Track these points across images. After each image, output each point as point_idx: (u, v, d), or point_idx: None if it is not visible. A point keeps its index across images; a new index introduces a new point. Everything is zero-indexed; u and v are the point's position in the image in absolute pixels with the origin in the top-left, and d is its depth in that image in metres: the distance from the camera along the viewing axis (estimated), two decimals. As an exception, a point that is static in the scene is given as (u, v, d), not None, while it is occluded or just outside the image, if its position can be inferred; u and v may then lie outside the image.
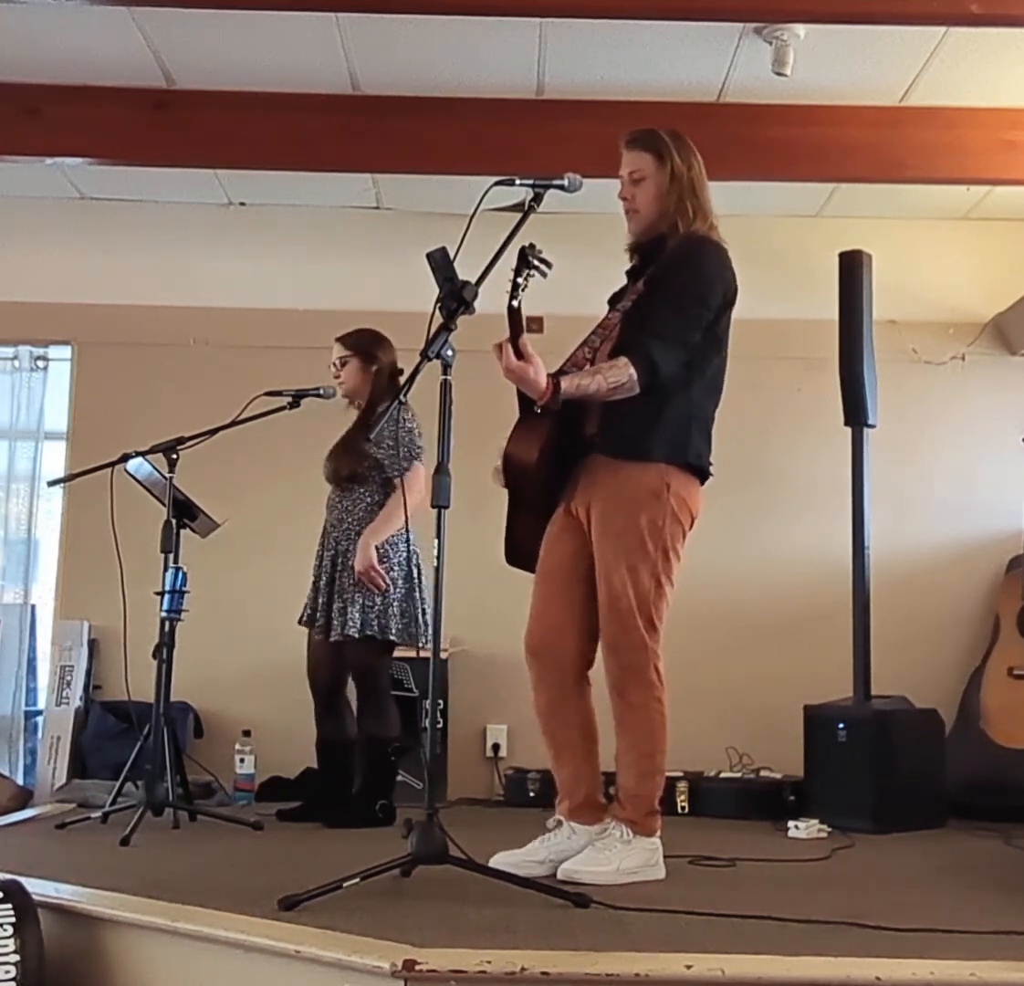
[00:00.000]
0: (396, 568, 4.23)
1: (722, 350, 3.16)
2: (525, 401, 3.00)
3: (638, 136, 3.20)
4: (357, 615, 4.17)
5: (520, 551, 3.19)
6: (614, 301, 3.28)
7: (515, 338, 2.79)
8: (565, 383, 2.89)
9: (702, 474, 3.14)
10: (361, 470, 4.27)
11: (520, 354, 2.80)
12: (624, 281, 3.29)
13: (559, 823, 3.09)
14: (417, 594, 4.21)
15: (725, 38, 4.40)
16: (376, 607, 4.19)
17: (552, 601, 3.13)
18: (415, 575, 4.25)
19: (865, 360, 4.75)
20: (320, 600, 4.28)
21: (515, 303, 2.76)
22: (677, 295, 3.06)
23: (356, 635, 4.16)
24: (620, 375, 2.93)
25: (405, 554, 4.27)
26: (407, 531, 4.22)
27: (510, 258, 2.79)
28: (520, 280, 2.76)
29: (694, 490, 3.11)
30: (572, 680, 3.10)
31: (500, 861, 2.92)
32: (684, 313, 3.04)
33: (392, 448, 4.17)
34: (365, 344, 4.38)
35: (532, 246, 2.79)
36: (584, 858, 2.95)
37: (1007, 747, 4.72)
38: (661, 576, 3.03)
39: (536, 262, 2.77)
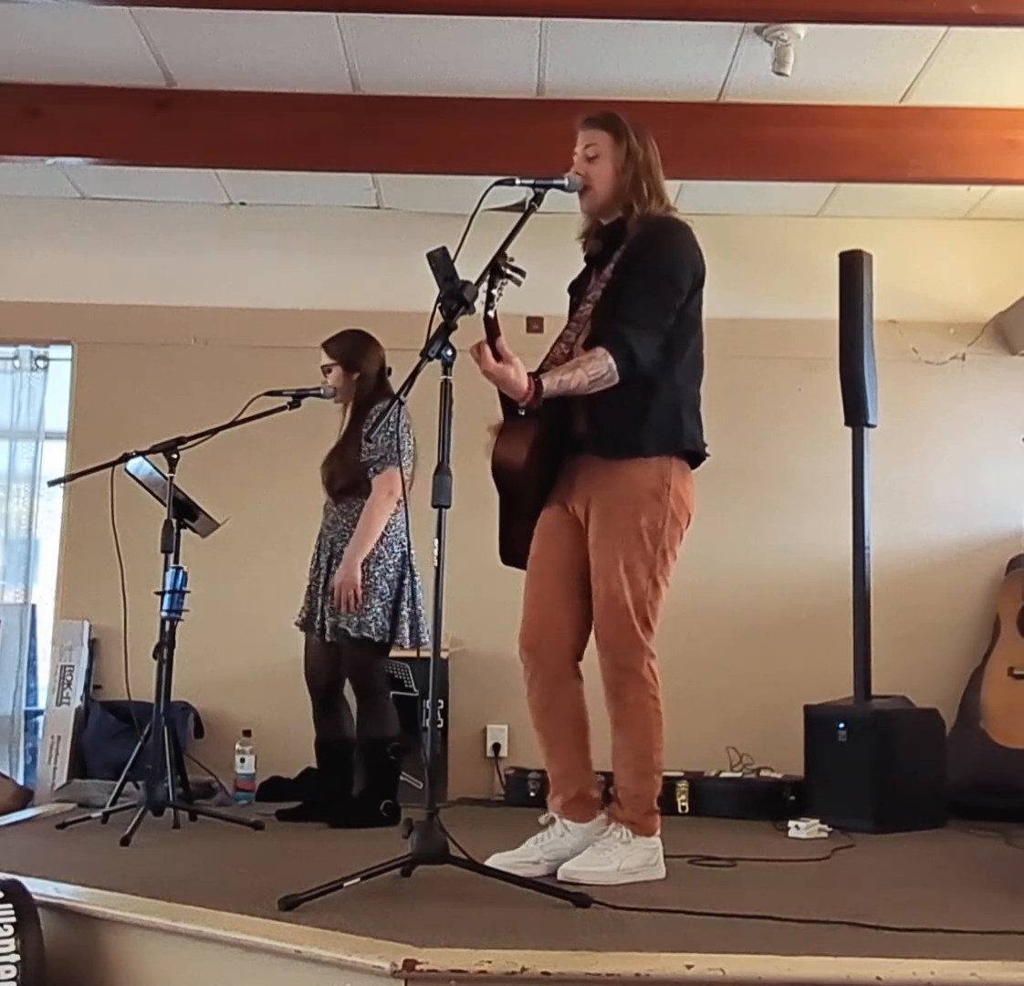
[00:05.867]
0: (391, 570, 4.23)
1: (698, 330, 3.16)
2: (508, 404, 2.99)
3: (595, 116, 3.21)
4: (353, 617, 4.17)
5: (516, 551, 3.19)
6: (575, 289, 3.27)
7: (492, 341, 2.78)
8: (546, 381, 2.87)
9: (698, 459, 3.15)
10: (355, 480, 4.27)
11: (498, 356, 2.78)
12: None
13: (552, 820, 3.09)
14: (410, 595, 4.21)
15: (725, 38, 4.40)
16: (373, 609, 4.18)
17: (546, 595, 3.13)
18: (410, 575, 4.25)
19: (865, 360, 4.74)
20: (317, 602, 4.28)
21: (491, 313, 2.76)
22: (648, 279, 3.05)
23: (354, 635, 4.16)
24: (599, 366, 2.92)
25: (400, 555, 4.26)
26: (407, 532, 4.23)
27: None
28: (494, 291, 2.77)
29: (690, 486, 3.11)
30: (565, 674, 3.10)
31: (495, 862, 2.91)
32: (657, 297, 3.04)
33: (375, 450, 4.18)
34: (346, 352, 4.39)
35: (503, 255, 2.79)
36: (584, 858, 2.94)
37: (1007, 747, 4.72)
38: (658, 576, 3.04)
39: (509, 271, 2.78)
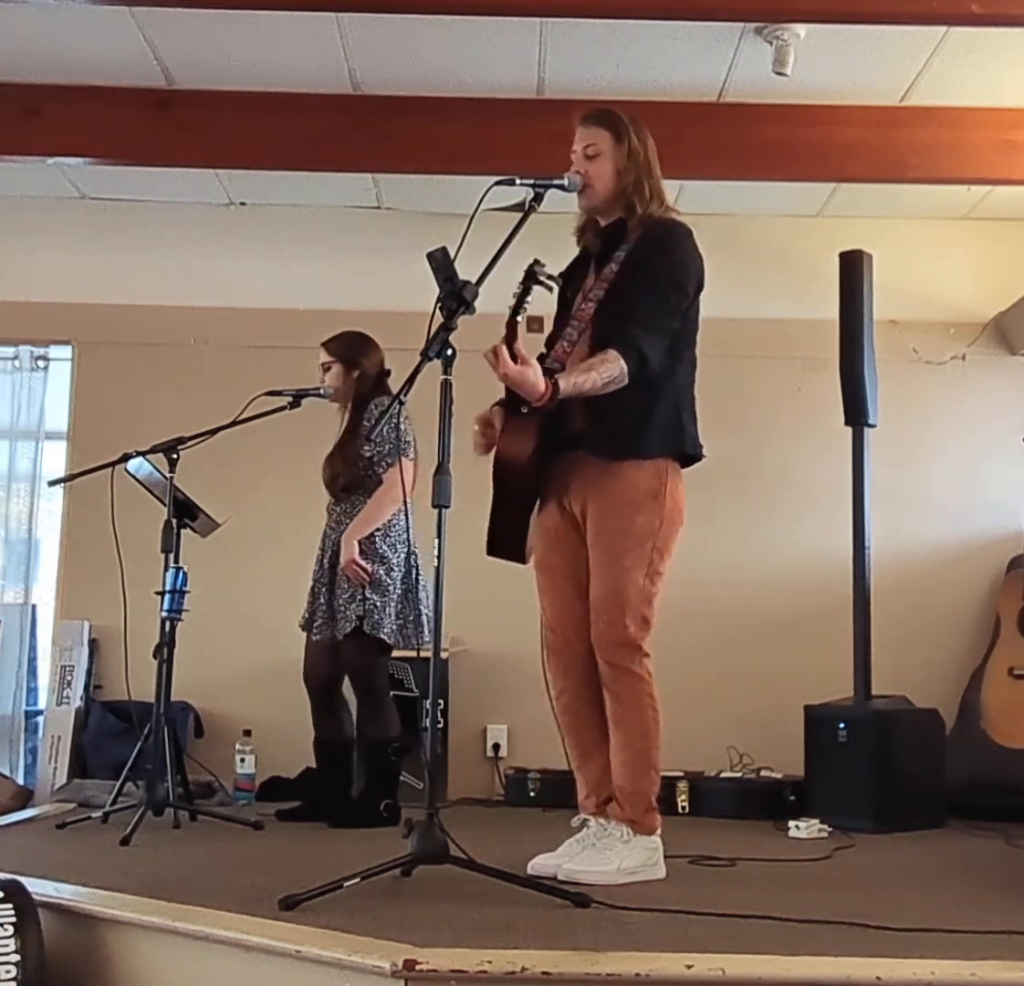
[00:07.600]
0: (396, 569, 4.24)
1: (696, 333, 3.18)
2: (512, 401, 3.00)
3: (594, 113, 3.20)
4: (357, 611, 4.17)
5: (502, 541, 3.17)
6: (567, 278, 3.22)
7: (510, 343, 2.79)
8: (563, 383, 2.88)
9: (692, 460, 3.16)
10: (358, 477, 4.28)
11: (515, 358, 2.79)
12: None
13: (585, 822, 3.09)
14: (415, 595, 4.22)
15: (725, 38, 4.40)
16: (375, 606, 4.19)
17: (565, 599, 3.14)
18: (414, 576, 4.25)
19: (865, 360, 4.75)
20: (320, 602, 4.29)
21: (518, 319, 2.78)
22: (657, 282, 3.06)
23: (356, 625, 4.15)
24: (612, 369, 2.93)
25: (404, 554, 4.28)
26: (408, 531, 4.24)
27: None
28: (527, 298, 2.79)
29: (683, 487, 3.12)
30: (593, 677, 3.10)
31: (538, 863, 2.95)
32: (665, 301, 3.05)
33: (380, 445, 4.19)
34: (346, 350, 4.41)
35: (539, 262, 2.80)
36: (584, 858, 2.95)
37: (1007, 747, 4.72)
38: (654, 575, 3.05)
39: (543, 278, 2.80)
